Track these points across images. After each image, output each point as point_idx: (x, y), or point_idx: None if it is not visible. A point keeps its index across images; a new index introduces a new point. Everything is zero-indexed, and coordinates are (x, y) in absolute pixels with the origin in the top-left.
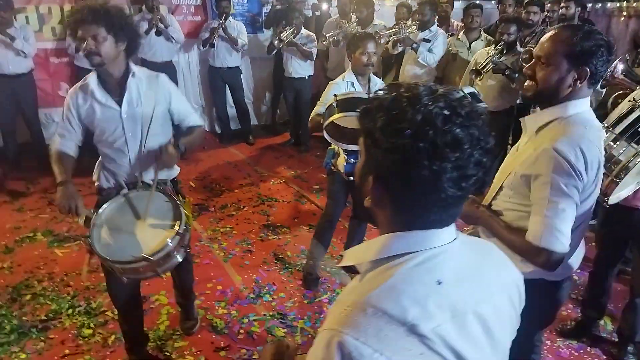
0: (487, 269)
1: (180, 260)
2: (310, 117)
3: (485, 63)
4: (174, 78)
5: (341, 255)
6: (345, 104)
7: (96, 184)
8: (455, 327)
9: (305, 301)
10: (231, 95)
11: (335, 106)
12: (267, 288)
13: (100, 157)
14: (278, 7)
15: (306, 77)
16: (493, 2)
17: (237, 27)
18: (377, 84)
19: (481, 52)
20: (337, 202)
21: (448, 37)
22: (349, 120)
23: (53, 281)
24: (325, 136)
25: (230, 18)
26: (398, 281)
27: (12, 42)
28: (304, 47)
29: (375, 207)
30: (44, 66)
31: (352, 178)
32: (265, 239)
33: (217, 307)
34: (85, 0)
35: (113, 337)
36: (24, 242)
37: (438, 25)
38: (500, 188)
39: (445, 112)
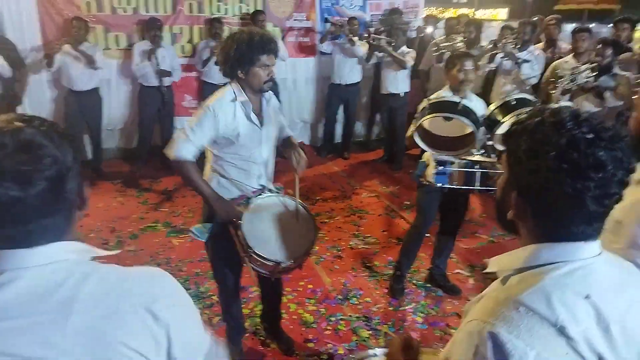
0: (632, 286)
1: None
2: (407, 134)
3: (571, 79)
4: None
5: (428, 270)
6: (438, 106)
7: None
8: (600, 333)
9: (390, 308)
10: (344, 111)
11: (427, 108)
12: (354, 292)
13: (213, 172)
14: (382, 29)
15: (401, 95)
16: (610, 26)
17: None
18: (473, 100)
19: (560, 62)
20: (427, 216)
21: (556, 60)
22: (441, 128)
23: (170, 265)
24: (417, 140)
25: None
26: (549, 285)
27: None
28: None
29: (518, 219)
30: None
31: (443, 186)
32: (355, 248)
33: (307, 304)
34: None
35: (217, 318)
36: (147, 231)
37: (543, 48)
38: None
39: (589, 136)
